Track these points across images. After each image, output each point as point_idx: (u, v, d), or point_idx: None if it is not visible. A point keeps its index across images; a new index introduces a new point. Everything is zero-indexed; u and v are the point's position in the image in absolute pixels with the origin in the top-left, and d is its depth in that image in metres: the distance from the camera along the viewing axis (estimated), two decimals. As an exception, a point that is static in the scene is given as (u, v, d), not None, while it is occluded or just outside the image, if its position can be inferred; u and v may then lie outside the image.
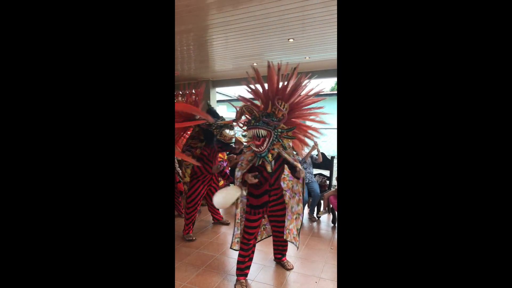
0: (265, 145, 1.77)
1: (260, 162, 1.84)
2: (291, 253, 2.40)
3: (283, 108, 1.79)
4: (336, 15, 2.38)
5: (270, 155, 1.82)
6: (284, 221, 2.07)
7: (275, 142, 1.80)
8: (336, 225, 3.14)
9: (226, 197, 1.85)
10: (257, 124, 1.76)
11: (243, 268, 2.01)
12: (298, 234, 2.11)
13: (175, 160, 3.55)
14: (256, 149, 1.79)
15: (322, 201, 3.29)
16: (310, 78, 1.91)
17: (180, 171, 3.25)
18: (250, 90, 1.94)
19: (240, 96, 2.19)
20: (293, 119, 1.91)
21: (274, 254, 2.26)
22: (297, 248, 2.16)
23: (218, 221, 3.19)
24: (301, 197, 2.09)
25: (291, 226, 2.11)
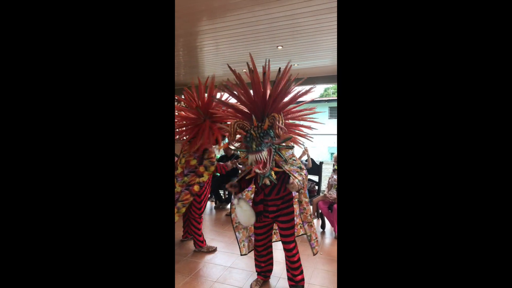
0: (268, 165, 1.63)
1: (263, 182, 1.72)
2: (279, 259, 2.39)
3: (281, 122, 1.62)
4: (325, 24, 2.44)
5: (273, 173, 1.71)
6: (290, 234, 1.91)
7: (275, 157, 1.69)
8: (325, 230, 3.15)
9: (246, 213, 1.79)
10: (259, 148, 1.61)
11: (260, 272, 2.08)
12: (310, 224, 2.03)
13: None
14: (260, 172, 1.63)
15: (311, 206, 3.30)
16: (301, 83, 1.82)
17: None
18: (235, 97, 1.80)
19: (217, 100, 2.08)
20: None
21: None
22: (315, 251, 2.03)
23: (188, 238, 2.87)
24: (307, 206, 2.02)
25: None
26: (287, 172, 1.72)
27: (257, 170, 1.61)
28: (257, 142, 1.61)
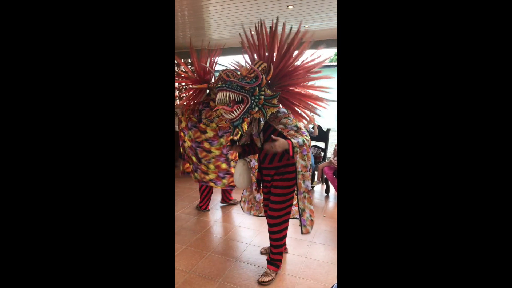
0: (237, 112, 1.48)
1: (234, 133, 1.59)
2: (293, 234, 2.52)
3: (258, 67, 1.50)
4: (338, -20, 2.27)
5: (245, 125, 1.59)
6: (277, 209, 1.68)
7: (254, 111, 1.50)
8: (329, 194, 3.27)
9: (242, 174, 1.78)
10: (224, 85, 1.46)
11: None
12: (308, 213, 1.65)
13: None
14: (227, 116, 1.50)
15: (316, 172, 3.39)
16: (311, 47, 1.63)
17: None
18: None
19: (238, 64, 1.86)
20: (290, 87, 1.62)
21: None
22: (305, 231, 1.66)
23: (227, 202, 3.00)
24: (305, 172, 1.59)
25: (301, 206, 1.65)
26: (279, 130, 1.54)
27: (223, 113, 1.51)
28: (225, 81, 1.47)
